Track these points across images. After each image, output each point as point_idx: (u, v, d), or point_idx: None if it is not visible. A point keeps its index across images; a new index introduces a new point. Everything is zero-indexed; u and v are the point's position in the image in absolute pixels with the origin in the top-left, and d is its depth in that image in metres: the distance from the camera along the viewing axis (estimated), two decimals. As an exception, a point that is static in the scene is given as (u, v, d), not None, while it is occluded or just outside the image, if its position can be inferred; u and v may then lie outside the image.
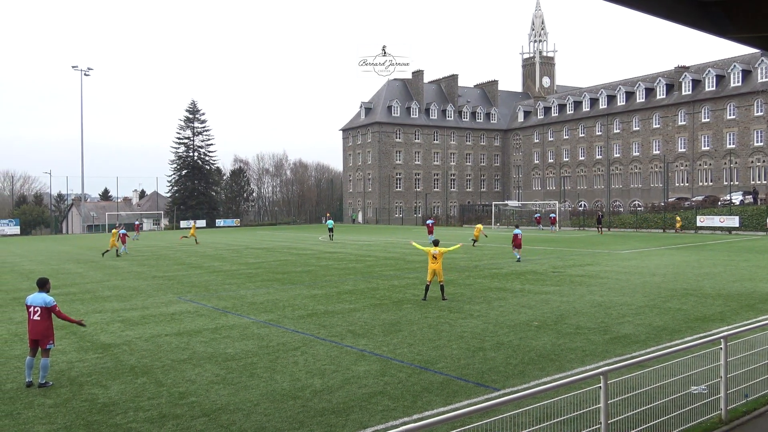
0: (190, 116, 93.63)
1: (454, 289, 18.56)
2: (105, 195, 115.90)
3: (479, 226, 40.93)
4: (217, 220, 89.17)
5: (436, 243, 17.30)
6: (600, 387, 5.94)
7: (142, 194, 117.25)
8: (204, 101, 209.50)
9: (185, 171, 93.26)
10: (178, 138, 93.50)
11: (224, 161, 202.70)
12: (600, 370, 6.05)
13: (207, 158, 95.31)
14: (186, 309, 15.99)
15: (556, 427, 5.79)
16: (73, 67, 76.19)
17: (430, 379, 9.28)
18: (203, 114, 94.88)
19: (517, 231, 28.24)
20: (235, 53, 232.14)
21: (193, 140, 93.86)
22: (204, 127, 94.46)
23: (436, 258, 16.39)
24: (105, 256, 33.86)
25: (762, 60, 62.59)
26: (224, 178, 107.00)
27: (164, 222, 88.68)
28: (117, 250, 34.72)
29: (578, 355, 10.48)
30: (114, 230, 36.04)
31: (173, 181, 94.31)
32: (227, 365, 10.20)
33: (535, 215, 65.49)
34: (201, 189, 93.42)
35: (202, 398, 8.51)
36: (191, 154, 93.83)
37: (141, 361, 10.61)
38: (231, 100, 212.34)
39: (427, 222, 44.22)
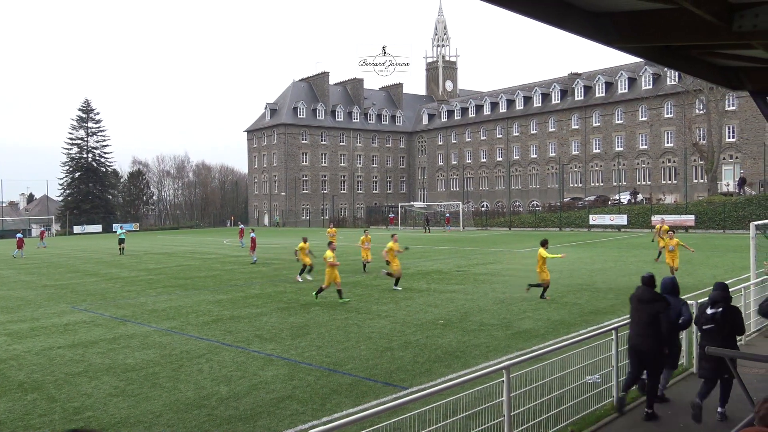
0: (84, 116, 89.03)
1: (361, 290, 18.66)
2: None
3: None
4: (114, 225, 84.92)
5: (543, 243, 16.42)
6: (503, 381, 6.16)
7: (31, 198, 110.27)
8: (99, 100, 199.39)
9: (78, 173, 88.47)
10: (71, 139, 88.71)
11: (121, 163, 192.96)
12: (503, 364, 6.28)
13: (102, 160, 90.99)
14: (81, 319, 15.14)
15: (462, 422, 5.94)
16: (-51, 61, 70.49)
17: (339, 380, 9.27)
18: (98, 113, 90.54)
19: (252, 234, 30.48)
20: (132, 51, 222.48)
21: (87, 141, 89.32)
22: (99, 128, 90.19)
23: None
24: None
25: (646, 69, 67.03)
26: (122, 180, 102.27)
27: (56, 227, 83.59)
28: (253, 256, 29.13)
29: (482, 351, 10.81)
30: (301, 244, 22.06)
31: (65, 184, 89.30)
32: (126, 376, 9.75)
33: (390, 215, 72.34)
34: (96, 192, 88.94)
35: (100, 412, 8.09)
36: (85, 155, 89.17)
37: (31, 376, 9.95)
38: (128, 100, 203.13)
39: (240, 226, 45.71)
